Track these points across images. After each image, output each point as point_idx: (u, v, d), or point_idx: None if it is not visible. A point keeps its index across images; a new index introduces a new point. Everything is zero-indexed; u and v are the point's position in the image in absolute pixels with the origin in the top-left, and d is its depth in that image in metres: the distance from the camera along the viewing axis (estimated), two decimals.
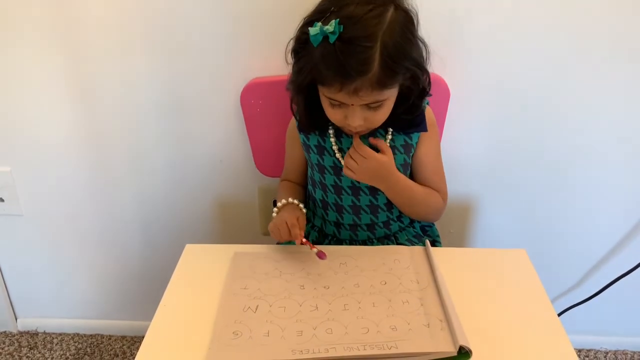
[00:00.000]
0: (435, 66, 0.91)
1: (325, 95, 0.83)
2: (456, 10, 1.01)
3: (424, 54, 0.85)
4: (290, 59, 0.85)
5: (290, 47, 0.84)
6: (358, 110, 0.82)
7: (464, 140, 1.15)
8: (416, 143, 0.94)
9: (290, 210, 0.93)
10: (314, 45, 0.77)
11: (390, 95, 0.83)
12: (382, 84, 0.78)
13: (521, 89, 1.09)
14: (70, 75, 1.12)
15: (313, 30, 0.76)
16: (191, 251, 0.92)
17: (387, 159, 0.89)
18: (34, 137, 1.20)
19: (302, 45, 0.81)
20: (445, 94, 1.06)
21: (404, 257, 0.88)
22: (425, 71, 0.84)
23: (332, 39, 0.75)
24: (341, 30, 0.75)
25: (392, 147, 0.93)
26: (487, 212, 1.25)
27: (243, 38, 1.06)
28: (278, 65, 0.91)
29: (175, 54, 1.08)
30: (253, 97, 1.07)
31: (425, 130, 0.92)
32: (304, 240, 0.86)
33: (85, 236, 1.35)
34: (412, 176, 0.98)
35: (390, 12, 0.78)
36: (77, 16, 1.05)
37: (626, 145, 1.14)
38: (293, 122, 0.99)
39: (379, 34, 0.75)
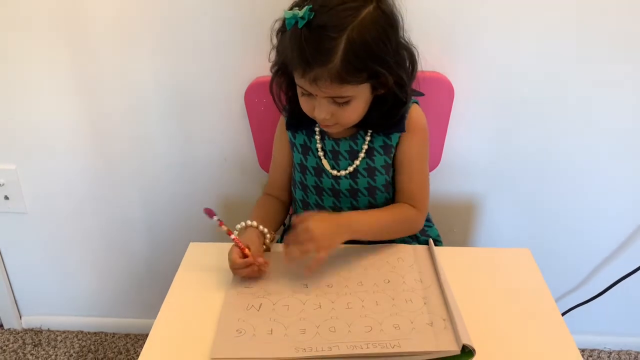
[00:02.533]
0: (439, 65, 0.91)
1: (296, 82, 0.83)
2: (460, 9, 1.01)
3: (406, 61, 0.82)
4: (275, 40, 0.84)
5: (276, 27, 0.83)
6: (324, 102, 0.81)
7: (467, 139, 1.15)
8: (396, 144, 0.90)
9: (246, 237, 0.86)
10: (287, 28, 0.77)
11: (356, 94, 0.81)
12: (341, 78, 0.76)
13: (525, 88, 1.08)
14: (75, 74, 1.12)
15: (287, 14, 0.76)
16: (195, 249, 0.92)
17: (315, 216, 0.81)
18: (39, 136, 1.21)
19: (283, 27, 0.80)
20: (450, 93, 1.05)
21: (407, 255, 0.88)
22: (398, 77, 0.81)
23: (301, 24, 0.75)
24: (311, 17, 0.74)
25: (371, 149, 0.91)
26: (490, 211, 1.25)
27: (247, 37, 1.06)
28: None
29: (180, 53, 1.09)
30: (257, 95, 1.08)
31: (403, 130, 0.88)
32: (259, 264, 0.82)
33: (89, 234, 1.35)
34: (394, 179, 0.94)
35: (368, 10, 0.76)
36: (83, 16, 1.06)
37: (630, 145, 1.14)
38: (281, 122, 0.98)
39: (348, 27, 0.74)
